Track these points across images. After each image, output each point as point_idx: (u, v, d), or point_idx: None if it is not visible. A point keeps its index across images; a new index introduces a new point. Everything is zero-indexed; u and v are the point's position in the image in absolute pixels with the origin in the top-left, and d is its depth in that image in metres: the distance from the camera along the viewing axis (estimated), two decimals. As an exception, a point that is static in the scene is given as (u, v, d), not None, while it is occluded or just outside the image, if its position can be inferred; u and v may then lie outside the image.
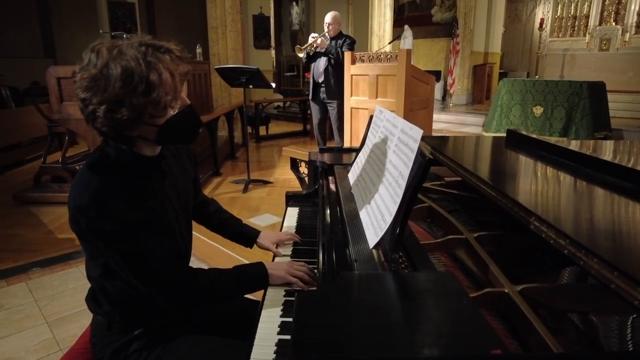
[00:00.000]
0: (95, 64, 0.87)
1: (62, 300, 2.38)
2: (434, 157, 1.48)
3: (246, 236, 1.41)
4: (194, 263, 2.63)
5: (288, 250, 1.38)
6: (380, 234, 0.92)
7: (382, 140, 1.19)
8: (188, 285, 1.02)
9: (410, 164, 0.89)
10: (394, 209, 0.90)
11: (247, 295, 1.20)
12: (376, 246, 0.94)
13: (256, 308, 1.08)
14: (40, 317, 2.24)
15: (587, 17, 9.16)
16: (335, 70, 4.29)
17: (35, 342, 2.05)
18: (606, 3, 8.85)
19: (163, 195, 1.06)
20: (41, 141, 5.53)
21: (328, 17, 4.37)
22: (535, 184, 1.16)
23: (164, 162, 1.09)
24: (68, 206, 0.95)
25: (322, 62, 4.39)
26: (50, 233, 3.33)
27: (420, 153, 0.88)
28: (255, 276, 1.12)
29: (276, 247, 1.37)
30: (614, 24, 8.73)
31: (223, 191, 4.22)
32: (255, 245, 1.41)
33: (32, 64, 9.50)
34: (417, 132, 0.93)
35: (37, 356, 1.95)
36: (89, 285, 1.12)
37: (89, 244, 0.99)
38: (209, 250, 2.78)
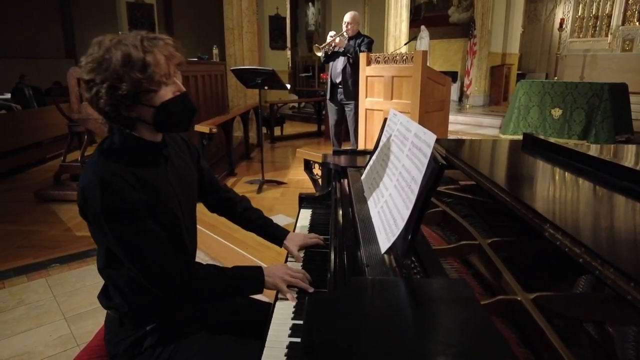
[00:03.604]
0: (99, 50, 0.97)
1: (80, 297, 2.43)
2: (448, 160, 1.46)
3: (273, 236, 1.43)
4: (208, 262, 2.65)
5: (302, 253, 1.38)
6: (392, 239, 0.92)
7: (395, 144, 1.19)
8: (182, 277, 1.03)
9: (424, 169, 0.89)
10: (406, 214, 0.89)
11: (260, 297, 1.20)
12: (388, 251, 0.94)
13: (268, 309, 1.09)
14: (59, 313, 2.29)
15: (610, 16, 8.96)
16: (354, 70, 4.24)
17: (53, 337, 2.10)
18: (629, 2, 8.63)
19: (166, 180, 1.11)
20: (62, 140, 5.66)
21: (347, 17, 4.35)
22: (552, 190, 1.14)
23: (165, 149, 1.14)
24: (77, 192, 1.00)
25: (340, 62, 4.37)
26: (69, 230, 3.41)
27: (433, 158, 0.87)
28: (251, 281, 1.14)
29: (298, 251, 1.37)
30: (637, 23, 8.51)
31: (238, 191, 4.14)
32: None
33: (54, 64, 9.76)
34: (431, 137, 0.93)
35: (55, 351, 2.00)
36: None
37: (95, 229, 1.02)
38: (223, 250, 2.80)
